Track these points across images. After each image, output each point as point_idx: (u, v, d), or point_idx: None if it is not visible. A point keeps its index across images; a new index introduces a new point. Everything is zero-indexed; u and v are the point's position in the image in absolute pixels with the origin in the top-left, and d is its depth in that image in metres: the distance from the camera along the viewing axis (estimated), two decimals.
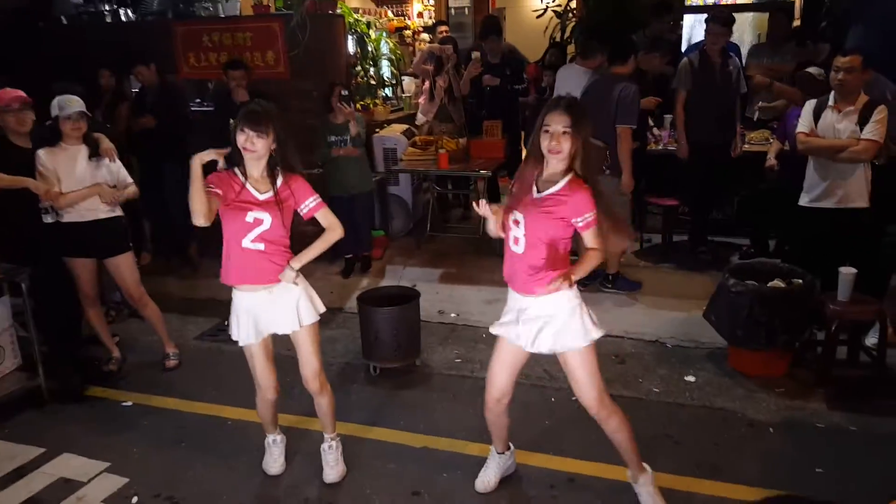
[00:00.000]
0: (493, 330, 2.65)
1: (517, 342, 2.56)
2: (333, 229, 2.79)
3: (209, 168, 2.64)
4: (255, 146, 2.58)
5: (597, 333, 2.52)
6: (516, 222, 2.47)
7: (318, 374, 2.88)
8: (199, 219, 2.59)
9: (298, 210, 2.75)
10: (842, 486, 2.84)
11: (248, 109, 2.63)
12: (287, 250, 2.78)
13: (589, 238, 2.47)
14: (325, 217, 2.79)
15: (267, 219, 2.67)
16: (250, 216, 2.67)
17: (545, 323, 2.48)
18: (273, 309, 2.77)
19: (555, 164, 2.42)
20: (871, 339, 3.74)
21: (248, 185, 2.69)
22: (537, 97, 6.13)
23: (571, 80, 4.90)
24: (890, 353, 3.61)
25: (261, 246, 2.70)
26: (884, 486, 2.81)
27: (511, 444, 2.97)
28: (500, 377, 2.68)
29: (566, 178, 2.42)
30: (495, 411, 2.76)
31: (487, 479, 2.91)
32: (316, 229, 2.82)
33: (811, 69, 4.76)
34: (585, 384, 2.55)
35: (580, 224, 2.42)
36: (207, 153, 2.57)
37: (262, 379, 2.90)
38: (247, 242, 2.69)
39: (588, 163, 2.43)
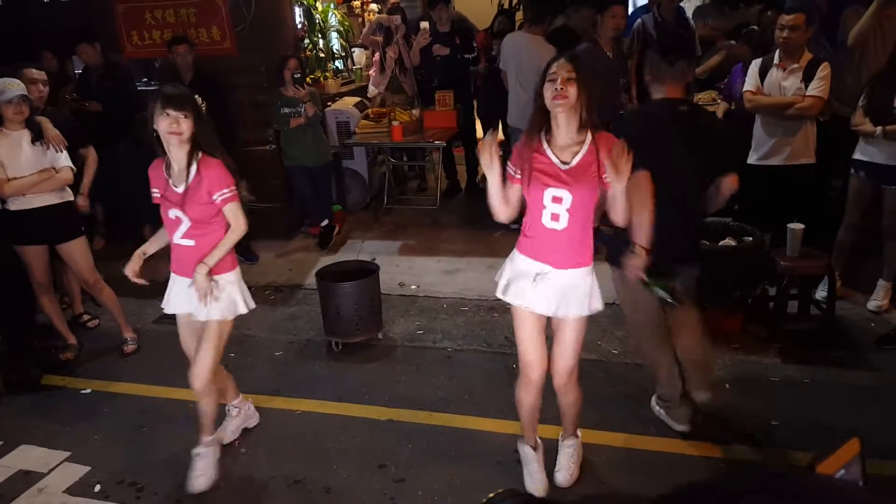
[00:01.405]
0: (505, 295, 2.52)
1: (534, 308, 2.48)
2: (235, 228, 2.71)
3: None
4: (180, 128, 2.53)
5: (601, 304, 2.51)
6: (557, 199, 2.34)
7: (203, 376, 2.78)
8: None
9: (213, 199, 2.64)
10: (798, 437, 2.94)
11: (166, 93, 2.57)
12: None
13: (616, 197, 2.32)
14: (232, 212, 2.69)
15: (184, 218, 2.64)
16: (172, 213, 2.67)
17: (570, 288, 2.43)
18: (191, 296, 2.74)
19: (563, 119, 2.31)
20: (820, 293, 3.86)
21: (166, 174, 2.67)
22: (487, 66, 6.11)
23: (521, 49, 4.90)
24: (838, 305, 3.75)
25: (191, 242, 2.69)
26: (839, 436, 2.91)
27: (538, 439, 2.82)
28: (539, 357, 2.55)
29: (589, 136, 2.34)
30: (534, 392, 2.60)
31: (540, 479, 2.72)
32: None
33: (753, 27, 4.87)
34: (573, 350, 2.54)
35: (615, 186, 2.29)
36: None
37: (185, 350, 2.93)
38: (177, 239, 2.70)
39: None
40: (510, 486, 2.70)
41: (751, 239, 3.77)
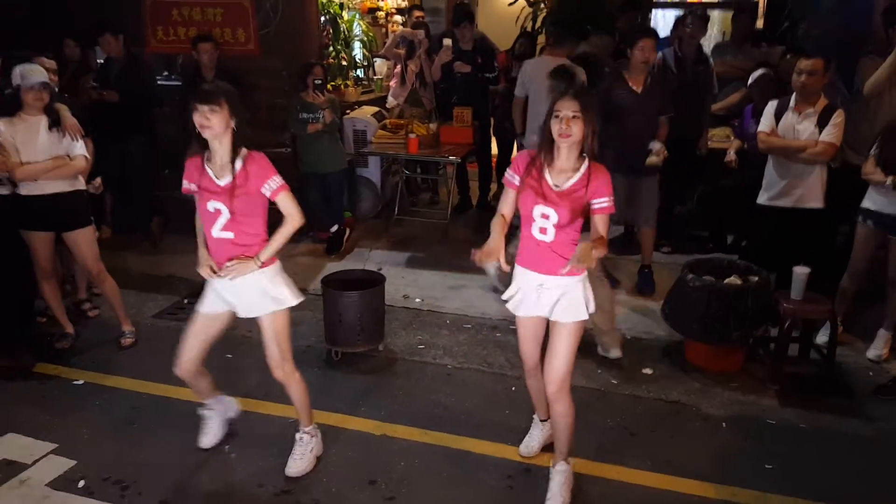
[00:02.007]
0: (518, 312, 2.71)
1: (539, 313, 2.66)
2: (292, 218, 2.72)
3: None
4: (210, 122, 2.55)
5: (593, 307, 2.63)
6: (545, 216, 2.53)
7: (281, 364, 2.84)
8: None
9: (262, 190, 2.68)
10: (790, 483, 2.91)
11: (198, 89, 2.64)
12: (260, 237, 2.73)
13: (600, 225, 2.53)
14: (286, 203, 2.72)
15: (224, 210, 2.64)
16: (210, 206, 2.66)
17: (562, 294, 2.58)
18: (238, 293, 2.74)
19: (565, 149, 2.48)
20: (821, 338, 3.83)
21: (207, 168, 2.67)
22: (507, 86, 6.11)
23: (539, 72, 4.87)
24: (838, 351, 3.71)
25: (230, 235, 2.68)
26: (831, 484, 2.89)
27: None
28: (532, 350, 2.79)
29: (585, 165, 2.50)
30: (536, 377, 2.85)
31: (532, 444, 3.04)
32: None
33: (766, 70, 4.85)
34: (565, 358, 2.61)
35: (595, 207, 2.51)
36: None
37: (180, 350, 2.89)
38: (216, 232, 2.69)
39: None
40: None
41: (756, 279, 3.75)
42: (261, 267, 2.70)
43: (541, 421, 3.07)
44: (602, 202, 2.50)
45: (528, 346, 2.80)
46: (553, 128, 2.46)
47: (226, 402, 3.19)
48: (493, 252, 2.49)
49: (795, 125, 3.92)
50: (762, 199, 4.13)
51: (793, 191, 3.99)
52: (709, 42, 6.66)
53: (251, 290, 2.74)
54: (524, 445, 3.06)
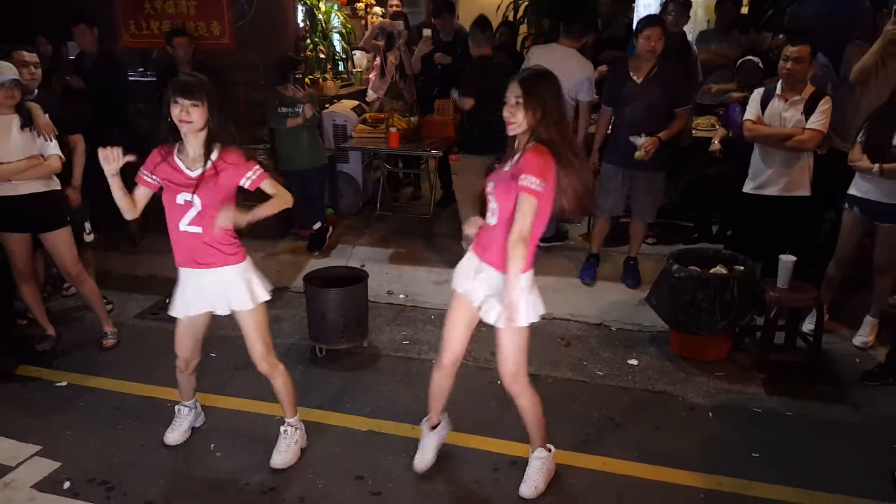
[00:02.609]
0: (454, 286, 2.69)
1: (470, 297, 2.61)
2: (282, 196, 2.72)
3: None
4: (190, 116, 2.53)
5: (535, 317, 2.55)
6: (491, 195, 2.52)
7: (264, 357, 2.85)
8: (128, 214, 2.69)
9: (241, 184, 2.67)
10: (777, 471, 2.93)
11: (179, 80, 2.59)
12: (230, 234, 2.71)
13: (520, 206, 2.35)
14: (272, 186, 2.72)
15: (196, 202, 2.61)
16: (180, 198, 2.62)
17: (495, 294, 2.52)
18: (212, 290, 2.73)
19: (516, 134, 2.45)
20: (807, 326, 3.87)
21: (177, 160, 2.64)
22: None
23: (554, 62, 4.80)
24: (824, 338, 3.74)
25: (197, 229, 2.65)
26: (817, 472, 2.92)
27: (441, 419, 2.98)
28: (457, 338, 2.73)
29: (527, 146, 2.43)
30: (448, 374, 2.81)
31: (426, 457, 2.92)
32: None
33: (751, 57, 4.88)
34: (508, 359, 2.61)
35: (521, 184, 2.33)
36: (106, 162, 2.54)
37: (177, 349, 2.93)
38: (183, 226, 2.65)
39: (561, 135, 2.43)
40: None
41: (742, 268, 3.77)
42: (241, 223, 2.63)
43: (431, 429, 2.94)
44: (524, 179, 2.33)
45: (450, 337, 2.74)
46: (504, 113, 2.44)
47: (199, 410, 3.23)
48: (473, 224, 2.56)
49: (782, 113, 3.92)
50: (748, 187, 4.14)
51: (779, 179, 4.00)
52: (693, 29, 6.70)
53: (223, 288, 2.73)
54: (419, 461, 2.91)
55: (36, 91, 3.87)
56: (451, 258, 5.34)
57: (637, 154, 4.25)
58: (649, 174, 4.44)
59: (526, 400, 2.68)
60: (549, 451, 2.82)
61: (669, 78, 4.30)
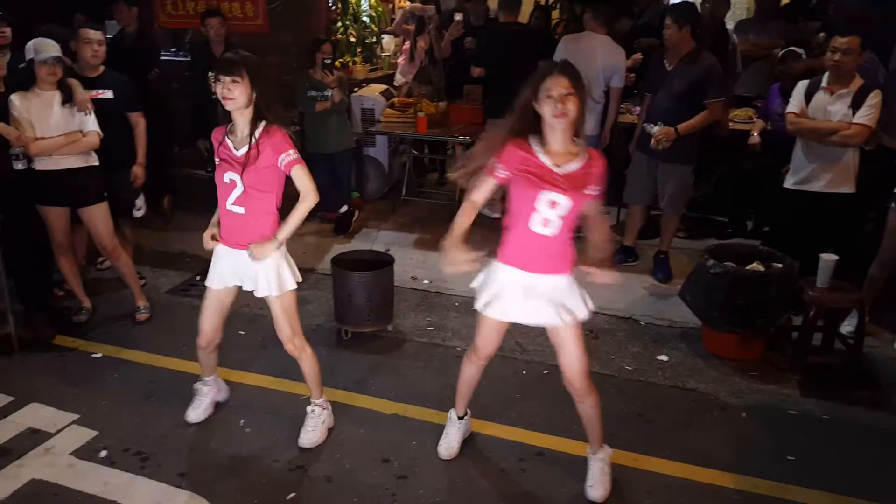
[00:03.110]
0: (494, 314, 2.58)
1: (521, 321, 2.56)
2: (307, 195, 2.71)
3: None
4: (232, 93, 2.57)
5: (592, 307, 2.56)
6: (553, 204, 2.37)
7: (290, 339, 2.92)
8: None
9: (278, 163, 2.68)
10: (814, 476, 2.86)
11: (221, 58, 2.66)
12: (272, 215, 2.76)
13: (594, 209, 2.47)
14: (301, 178, 2.70)
15: (238, 181, 2.66)
16: (227, 176, 2.68)
17: (558, 297, 2.49)
18: (246, 269, 2.79)
19: (560, 131, 2.35)
20: (846, 327, 3.75)
21: (227, 139, 2.70)
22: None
23: (588, 50, 4.78)
24: (865, 341, 3.63)
25: (241, 210, 2.70)
26: (856, 478, 2.87)
27: (468, 409, 3.03)
28: (495, 344, 2.74)
29: (586, 150, 2.42)
30: (479, 367, 2.83)
31: (450, 444, 2.96)
32: None
33: (794, 49, 4.78)
34: (578, 358, 2.57)
35: (592, 193, 2.41)
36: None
37: (200, 323, 2.98)
38: (228, 205, 2.71)
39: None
40: (514, 498, 2.74)
41: (780, 265, 3.67)
42: (277, 248, 2.73)
43: (458, 419, 2.99)
44: (598, 189, 2.42)
45: (492, 341, 2.72)
46: (545, 109, 2.31)
47: (220, 384, 3.29)
48: (456, 261, 2.44)
49: (827, 106, 3.77)
50: (789, 182, 4.01)
51: (822, 175, 3.85)
52: (733, 18, 6.56)
53: (256, 271, 2.78)
54: (444, 448, 2.95)
55: (102, 68, 3.98)
56: (475, 246, 5.36)
57: (651, 143, 4.24)
58: (672, 166, 4.37)
59: (594, 399, 2.65)
60: (608, 450, 2.80)
61: (700, 68, 4.21)
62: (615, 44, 4.94)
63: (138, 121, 4.13)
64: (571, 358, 2.58)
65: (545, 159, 2.39)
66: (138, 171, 4.16)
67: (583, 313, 2.53)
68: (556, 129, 2.36)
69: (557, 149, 2.39)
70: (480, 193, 2.52)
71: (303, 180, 2.71)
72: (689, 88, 4.21)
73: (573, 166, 2.38)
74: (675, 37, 4.24)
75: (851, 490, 2.80)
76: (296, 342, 2.93)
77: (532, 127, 2.39)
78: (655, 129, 4.22)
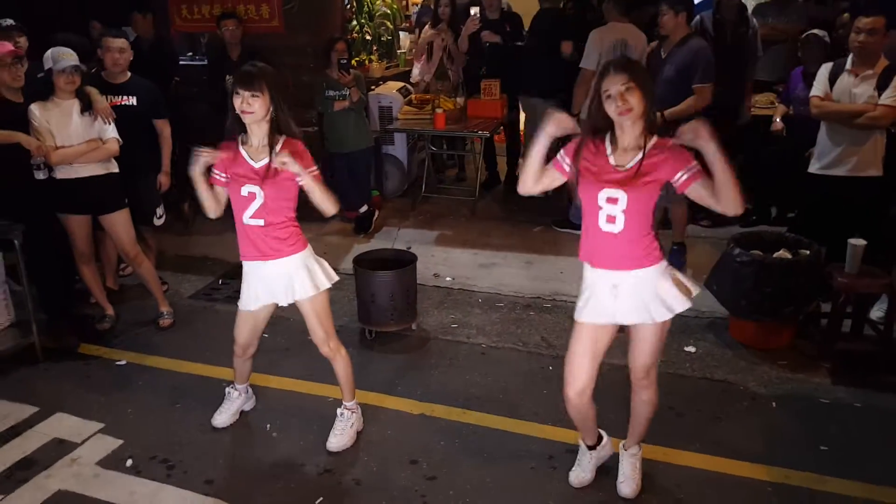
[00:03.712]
0: (587, 319, 2.44)
1: (616, 321, 2.43)
2: (326, 203, 2.66)
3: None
4: (251, 107, 2.53)
5: (695, 291, 2.44)
6: (612, 200, 2.30)
7: (324, 341, 2.88)
8: (211, 213, 2.74)
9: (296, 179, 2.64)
10: (848, 466, 2.80)
11: (241, 71, 2.59)
12: (291, 224, 2.73)
13: (702, 192, 2.26)
14: (320, 192, 2.64)
15: (259, 193, 2.62)
16: (245, 190, 2.64)
17: (648, 292, 2.37)
18: (277, 281, 2.75)
19: (629, 126, 2.27)
20: (876, 313, 3.69)
21: (242, 151, 2.65)
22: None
23: (609, 41, 4.77)
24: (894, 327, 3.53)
25: (260, 222, 2.67)
26: (889, 467, 2.80)
27: (603, 434, 2.80)
28: (585, 367, 2.48)
29: (651, 141, 2.29)
30: (579, 406, 2.55)
31: (584, 476, 2.74)
32: None
33: (817, 31, 4.66)
34: (653, 353, 2.46)
35: (685, 178, 2.25)
36: (200, 161, 2.60)
37: (236, 335, 2.98)
38: (246, 218, 2.67)
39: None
40: (548, 497, 2.67)
41: (807, 252, 3.62)
42: (301, 182, 2.61)
43: (588, 449, 2.75)
44: (690, 169, 2.24)
45: (584, 362, 2.46)
46: (609, 109, 2.24)
47: (250, 394, 3.27)
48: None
49: (852, 89, 3.71)
50: (814, 167, 3.94)
51: (848, 159, 3.77)
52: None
53: (286, 278, 2.74)
54: (575, 477, 2.73)
55: (129, 75, 4.00)
56: (497, 242, 5.38)
57: None
58: None
59: (651, 393, 2.57)
60: (640, 447, 2.74)
61: (687, 52, 4.23)
62: (638, 29, 4.87)
63: (163, 128, 4.12)
64: (646, 351, 2.47)
65: (611, 157, 2.33)
66: (164, 179, 4.18)
67: (680, 305, 2.39)
68: (625, 126, 2.28)
69: (628, 144, 2.31)
70: (545, 176, 2.44)
71: (322, 194, 2.64)
72: (677, 74, 4.24)
73: (634, 160, 2.29)
74: (671, 23, 4.27)
75: (887, 479, 2.74)
76: (331, 344, 2.89)
77: (605, 126, 2.32)
78: None
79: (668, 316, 2.40)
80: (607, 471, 2.77)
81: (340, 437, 2.99)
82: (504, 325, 4.06)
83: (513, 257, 4.94)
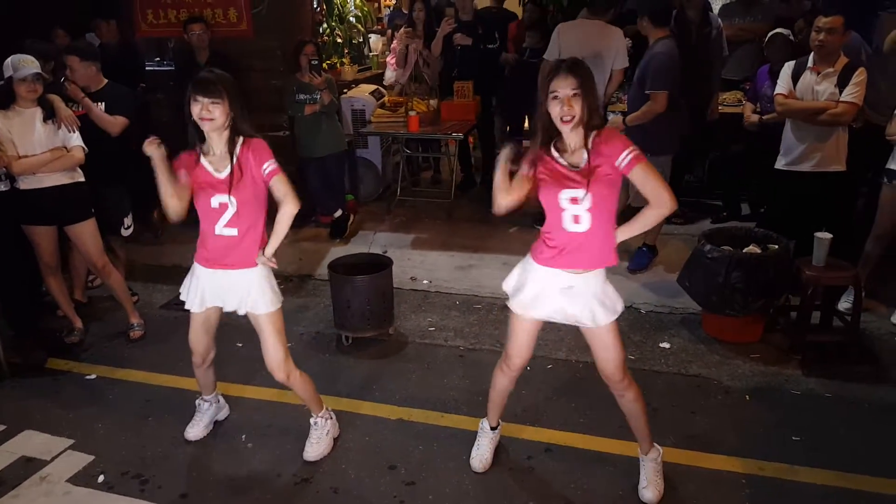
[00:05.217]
0: (536, 315, 2.51)
1: (564, 321, 2.50)
2: (287, 202, 2.58)
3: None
4: (212, 114, 2.49)
5: (621, 303, 2.50)
6: (574, 200, 2.32)
7: (281, 365, 2.76)
8: (173, 214, 2.60)
9: (261, 172, 2.58)
10: (818, 455, 2.85)
11: (198, 78, 2.53)
12: (261, 232, 2.68)
13: (641, 178, 2.27)
14: (281, 185, 2.58)
15: (232, 203, 2.57)
16: (214, 201, 2.58)
17: (594, 296, 2.41)
18: (231, 290, 2.69)
19: (570, 131, 2.29)
20: (843, 304, 3.77)
21: (203, 162, 2.59)
22: (518, 57, 5.98)
23: (578, 36, 4.79)
24: (862, 317, 3.62)
25: (233, 231, 2.61)
26: (861, 454, 2.85)
27: (500, 420, 2.92)
28: (527, 351, 2.63)
29: (592, 136, 2.31)
30: (511, 377, 2.72)
31: (483, 456, 2.84)
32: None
33: (781, 30, 4.73)
34: (616, 354, 2.49)
35: (629, 159, 2.25)
36: (150, 144, 2.53)
37: (191, 344, 2.89)
38: (219, 229, 2.61)
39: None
40: (525, 495, 2.67)
41: (776, 247, 3.68)
42: (267, 263, 2.64)
43: (490, 429, 2.88)
44: (628, 153, 2.25)
45: (524, 346, 2.62)
46: (553, 110, 2.26)
47: (221, 403, 3.21)
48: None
49: (814, 86, 3.80)
50: (780, 164, 4.03)
51: (813, 154, 3.88)
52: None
53: (244, 290, 2.68)
54: (477, 460, 2.83)
55: (104, 82, 3.96)
56: (474, 243, 5.36)
57: None
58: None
59: (634, 391, 2.58)
60: (659, 449, 2.72)
61: (646, 58, 4.33)
62: (613, 27, 4.87)
63: (115, 122, 3.91)
64: (608, 354, 2.50)
65: (562, 159, 2.35)
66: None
67: (611, 315, 2.45)
68: (564, 130, 2.31)
69: (574, 145, 2.34)
70: (514, 191, 2.45)
71: (282, 188, 2.59)
72: (639, 79, 4.34)
73: (584, 158, 2.31)
74: (642, 27, 4.42)
75: (857, 467, 2.79)
76: (286, 367, 2.78)
77: (552, 132, 2.33)
78: (610, 118, 4.34)
79: (612, 318, 2.44)
80: (587, 469, 2.77)
81: (317, 445, 2.94)
82: (482, 327, 4.04)
83: (490, 258, 4.92)
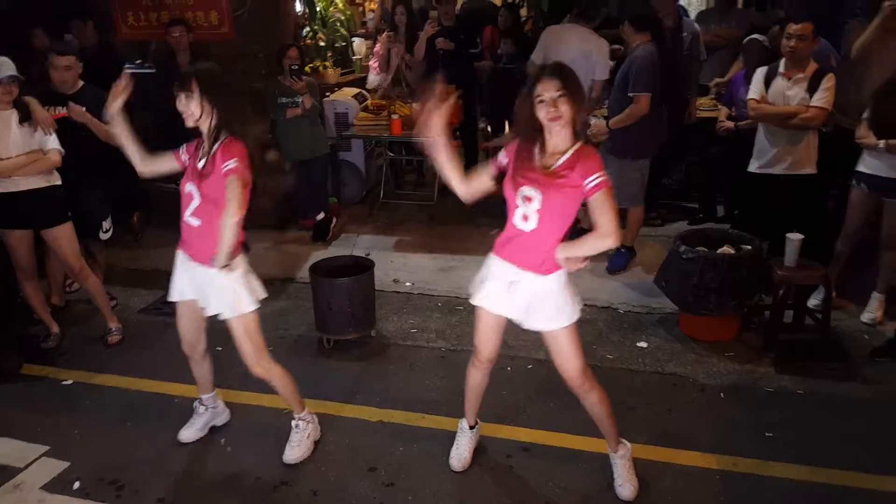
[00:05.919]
0: (478, 303, 2.58)
1: (505, 314, 2.55)
2: (229, 205, 2.49)
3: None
4: (187, 108, 2.54)
5: (579, 311, 2.53)
6: (528, 199, 2.37)
7: (255, 362, 2.76)
8: (139, 164, 2.73)
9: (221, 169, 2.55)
10: (791, 450, 2.91)
11: (178, 74, 2.60)
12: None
13: (599, 205, 2.30)
14: (230, 188, 2.51)
15: (195, 194, 2.59)
16: (187, 187, 2.63)
17: (539, 301, 2.45)
18: (202, 288, 2.69)
19: (557, 131, 2.33)
20: (813, 301, 3.85)
21: (199, 151, 2.65)
22: (493, 63, 6.02)
23: (565, 39, 4.82)
24: (832, 315, 3.70)
25: (197, 222, 2.62)
26: (831, 449, 2.91)
27: (478, 420, 2.94)
28: (493, 343, 2.67)
29: (574, 147, 2.36)
30: (483, 371, 2.75)
31: (462, 455, 2.86)
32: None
33: (757, 36, 4.80)
34: (572, 358, 2.52)
35: (590, 186, 2.29)
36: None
37: (179, 331, 2.89)
38: (187, 216, 2.65)
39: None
40: (504, 494, 2.68)
41: (749, 247, 3.75)
42: (223, 268, 2.57)
43: (469, 428, 2.90)
44: (595, 178, 2.29)
45: (487, 339, 2.65)
46: (540, 113, 2.31)
47: (220, 409, 3.17)
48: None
49: (786, 91, 3.89)
50: (753, 167, 4.11)
51: (785, 158, 3.97)
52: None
53: (213, 288, 2.66)
54: (456, 459, 2.85)
55: (80, 84, 3.92)
56: (456, 245, 5.37)
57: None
58: (616, 159, 4.40)
59: (597, 394, 2.59)
60: (627, 445, 2.74)
61: (627, 62, 4.38)
62: (595, 34, 4.89)
63: (99, 127, 3.87)
64: (565, 359, 2.54)
65: (537, 158, 2.39)
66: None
67: (562, 321, 2.47)
68: (553, 130, 2.35)
69: (555, 148, 2.38)
70: (482, 172, 2.50)
71: (231, 191, 2.50)
72: (621, 83, 4.37)
73: (557, 163, 2.35)
74: (623, 32, 4.47)
75: (830, 462, 2.84)
76: (262, 364, 2.78)
77: (533, 130, 2.37)
78: (592, 122, 4.36)
79: (553, 326, 2.48)
80: (565, 467, 2.79)
81: (297, 448, 2.93)
82: (463, 328, 4.04)
83: (471, 260, 4.92)
